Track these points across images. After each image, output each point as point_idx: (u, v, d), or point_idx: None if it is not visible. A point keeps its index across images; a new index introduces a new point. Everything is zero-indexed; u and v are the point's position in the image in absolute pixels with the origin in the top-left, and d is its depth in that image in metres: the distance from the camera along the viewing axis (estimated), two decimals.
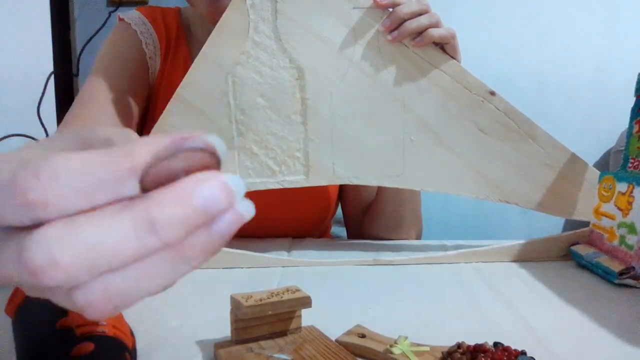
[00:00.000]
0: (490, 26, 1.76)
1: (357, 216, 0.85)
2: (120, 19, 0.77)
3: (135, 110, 0.73)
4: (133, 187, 0.17)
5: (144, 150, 0.17)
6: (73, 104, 0.70)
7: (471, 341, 0.37)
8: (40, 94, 0.53)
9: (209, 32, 0.61)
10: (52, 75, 0.58)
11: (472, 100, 0.63)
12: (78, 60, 0.62)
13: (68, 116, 0.69)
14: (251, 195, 0.68)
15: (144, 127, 0.78)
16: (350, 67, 0.62)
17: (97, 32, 0.68)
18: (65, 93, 0.74)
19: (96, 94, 0.70)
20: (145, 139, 0.18)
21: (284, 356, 0.36)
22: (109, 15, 0.63)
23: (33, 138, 0.53)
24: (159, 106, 0.75)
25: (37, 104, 0.52)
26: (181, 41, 0.77)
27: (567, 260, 0.64)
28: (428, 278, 0.58)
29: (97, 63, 0.74)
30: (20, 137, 0.53)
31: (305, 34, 0.61)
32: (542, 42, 1.77)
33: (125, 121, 0.70)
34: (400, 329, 0.40)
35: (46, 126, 0.57)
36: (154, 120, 0.75)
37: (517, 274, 0.59)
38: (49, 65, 0.93)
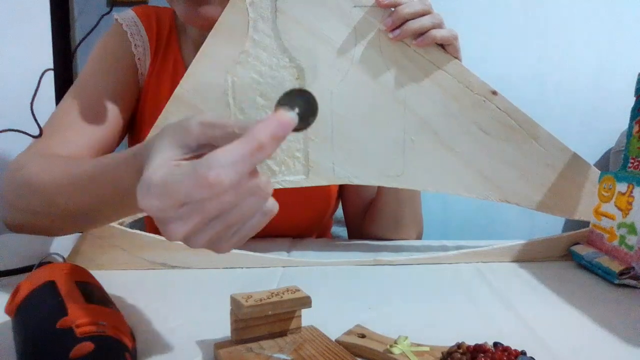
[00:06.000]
0: (490, 26, 1.76)
1: (358, 215, 0.85)
2: (115, 19, 0.78)
3: (121, 114, 0.74)
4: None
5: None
6: (58, 107, 0.71)
7: (471, 341, 0.37)
8: (34, 90, 0.53)
9: (203, 32, 0.62)
10: (47, 72, 0.58)
11: (473, 100, 0.63)
12: (72, 58, 0.63)
13: (51, 123, 0.71)
14: None
15: (133, 126, 0.79)
16: (351, 66, 0.62)
17: (91, 31, 0.68)
18: (66, 90, 0.75)
19: (79, 106, 0.71)
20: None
21: (284, 356, 0.36)
22: (101, 17, 0.62)
23: (27, 133, 0.54)
24: (148, 105, 0.77)
25: (30, 100, 0.52)
26: (172, 41, 0.78)
27: (567, 260, 0.64)
28: (428, 278, 0.58)
29: (86, 67, 0.75)
30: (15, 132, 0.53)
31: (305, 33, 0.61)
32: (542, 42, 1.76)
33: (108, 128, 0.72)
34: (400, 329, 0.40)
35: (40, 122, 0.57)
36: (143, 118, 0.77)
37: (517, 274, 0.59)
38: (47, 62, 0.92)
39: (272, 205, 0.35)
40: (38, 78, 0.55)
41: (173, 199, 0.30)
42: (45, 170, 0.56)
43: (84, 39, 0.62)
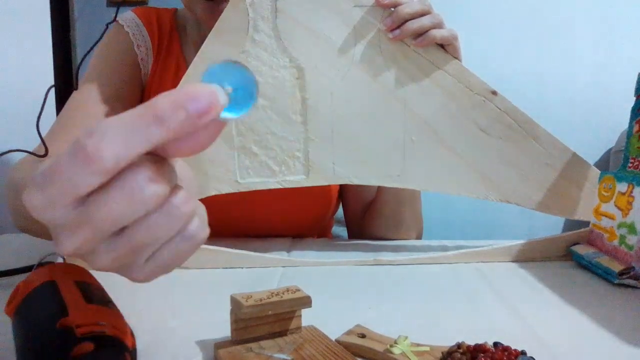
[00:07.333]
0: (490, 26, 1.76)
1: (358, 215, 0.85)
2: (116, 21, 0.78)
3: None
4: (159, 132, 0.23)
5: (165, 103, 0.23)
6: (62, 111, 0.72)
7: (471, 341, 0.37)
8: (40, 108, 0.52)
9: (204, 33, 0.62)
10: (51, 89, 0.57)
11: (473, 99, 0.63)
12: (77, 72, 0.62)
13: (56, 125, 0.71)
14: (251, 193, 0.67)
15: None
16: (351, 66, 0.62)
17: (95, 44, 0.68)
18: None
19: (84, 104, 0.71)
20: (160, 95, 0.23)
21: (284, 356, 0.36)
22: (107, 27, 0.62)
23: (35, 154, 0.53)
24: None
25: (36, 119, 0.50)
26: (174, 41, 0.79)
27: (567, 260, 0.64)
28: (428, 278, 0.58)
29: (89, 69, 0.76)
30: (21, 153, 0.51)
31: (305, 33, 0.61)
32: (542, 42, 1.77)
33: None
34: (400, 329, 0.40)
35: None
36: None
37: (517, 274, 0.59)
38: (49, 79, 0.92)
39: (197, 229, 0.27)
40: (39, 94, 0.54)
41: (55, 189, 0.23)
42: (25, 174, 0.56)
43: (85, 55, 0.62)
